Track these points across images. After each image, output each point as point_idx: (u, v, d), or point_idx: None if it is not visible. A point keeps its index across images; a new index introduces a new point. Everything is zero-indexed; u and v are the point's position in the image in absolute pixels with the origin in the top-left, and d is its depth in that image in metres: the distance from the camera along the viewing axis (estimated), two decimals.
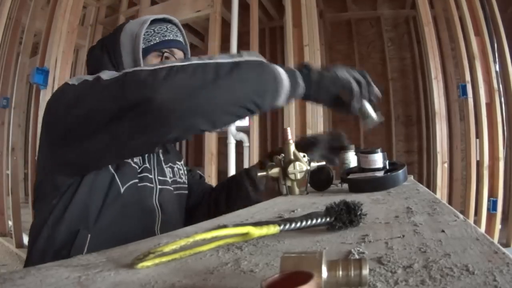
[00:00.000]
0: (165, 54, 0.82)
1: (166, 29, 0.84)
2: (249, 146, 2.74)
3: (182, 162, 0.94)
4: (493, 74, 2.42)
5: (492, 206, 2.35)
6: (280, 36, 4.43)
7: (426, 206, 0.57)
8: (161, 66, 0.54)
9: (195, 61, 0.56)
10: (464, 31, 2.48)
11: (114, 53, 0.80)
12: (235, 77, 0.55)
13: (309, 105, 2.50)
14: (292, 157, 0.87)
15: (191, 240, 0.33)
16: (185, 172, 0.94)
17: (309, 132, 2.48)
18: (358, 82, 0.70)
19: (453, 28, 2.54)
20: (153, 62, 0.79)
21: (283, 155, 0.89)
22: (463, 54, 2.47)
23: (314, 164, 0.90)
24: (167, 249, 0.32)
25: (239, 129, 2.84)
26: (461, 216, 0.47)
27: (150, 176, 0.77)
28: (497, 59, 2.51)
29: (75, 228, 0.65)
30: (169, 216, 0.78)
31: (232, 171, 2.69)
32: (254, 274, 0.29)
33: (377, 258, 0.31)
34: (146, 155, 0.78)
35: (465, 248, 0.31)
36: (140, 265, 0.32)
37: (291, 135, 0.89)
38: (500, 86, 2.48)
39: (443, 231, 0.39)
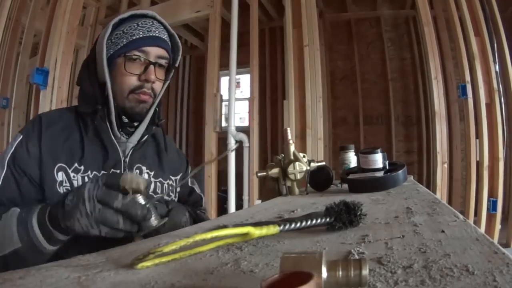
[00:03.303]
0: (132, 57, 0.72)
1: (136, 26, 0.73)
2: (249, 147, 2.74)
3: (178, 177, 0.87)
4: (493, 75, 2.42)
5: (492, 206, 2.35)
6: (280, 36, 4.44)
7: (426, 206, 0.57)
8: None
9: None
10: (464, 31, 2.48)
11: (91, 64, 0.76)
12: None
13: (309, 105, 2.50)
14: (292, 157, 0.87)
15: (191, 240, 0.33)
16: (177, 189, 0.87)
17: (309, 132, 2.48)
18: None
19: (453, 28, 2.55)
20: (121, 68, 0.72)
21: (283, 155, 0.89)
22: (463, 54, 2.47)
23: (314, 164, 0.90)
24: (167, 249, 0.32)
25: (239, 129, 2.84)
26: (461, 216, 0.47)
27: None
28: (497, 59, 2.51)
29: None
30: None
31: (232, 171, 2.70)
32: (254, 274, 0.29)
33: (377, 258, 0.31)
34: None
35: (465, 249, 0.31)
36: (140, 265, 0.32)
37: (291, 135, 0.89)
38: (500, 86, 2.48)
39: (443, 231, 0.39)
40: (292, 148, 0.88)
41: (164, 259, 0.33)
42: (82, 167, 0.70)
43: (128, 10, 3.58)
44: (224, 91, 3.14)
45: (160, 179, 0.82)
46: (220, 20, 2.83)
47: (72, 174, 0.69)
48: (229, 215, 0.63)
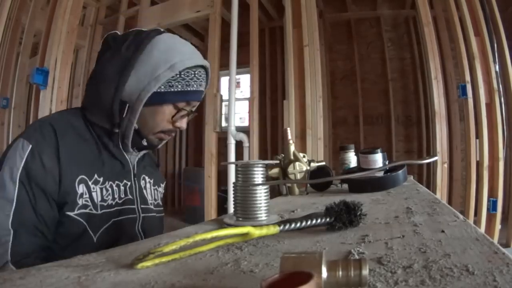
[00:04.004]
0: (181, 113, 0.73)
1: (192, 76, 0.72)
2: (248, 147, 2.74)
3: (163, 184, 0.91)
4: (493, 74, 2.42)
5: (492, 206, 2.35)
6: (280, 36, 4.44)
7: (426, 206, 0.57)
8: None
9: None
10: (464, 31, 2.48)
11: (123, 69, 0.69)
12: None
13: (309, 105, 2.50)
14: (292, 157, 0.87)
15: (191, 240, 0.33)
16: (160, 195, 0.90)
17: (309, 132, 2.48)
18: None
19: (453, 28, 2.55)
20: (165, 113, 0.72)
21: (283, 155, 0.89)
22: (463, 54, 2.47)
23: (314, 164, 0.90)
24: (167, 249, 0.32)
25: (239, 129, 2.84)
26: (461, 216, 0.47)
27: (133, 207, 0.75)
28: (497, 59, 2.51)
29: None
30: None
31: (232, 171, 2.69)
32: (254, 274, 0.29)
33: (377, 258, 0.31)
34: (128, 185, 0.75)
35: (465, 248, 0.31)
36: (140, 265, 0.32)
37: (291, 135, 0.89)
38: (500, 86, 2.48)
39: (443, 231, 0.39)
40: (292, 148, 0.88)
41: (164, 259, 0.33)
42: (101, 178, 0.70)
43: (128, 10, 3.58)
44: (224, 91, 3.14)
45: (156, 186, 0.86)
46: (220, 20, 2.83)
47: (92, 186, 0.68)
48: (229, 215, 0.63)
